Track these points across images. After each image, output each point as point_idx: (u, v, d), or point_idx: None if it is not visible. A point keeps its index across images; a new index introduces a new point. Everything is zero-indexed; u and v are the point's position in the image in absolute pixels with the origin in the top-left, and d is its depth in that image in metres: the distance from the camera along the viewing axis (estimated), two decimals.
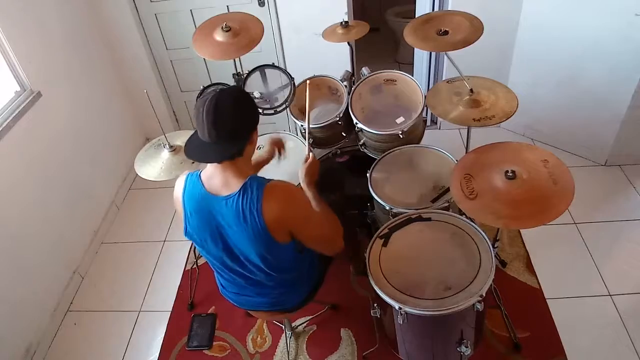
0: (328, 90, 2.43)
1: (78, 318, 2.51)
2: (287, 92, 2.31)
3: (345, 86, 2.36)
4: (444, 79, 2.71)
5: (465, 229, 1.70)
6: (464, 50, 1.89)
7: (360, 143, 2.31)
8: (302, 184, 1.66)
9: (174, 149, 2.12)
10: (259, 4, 2.98)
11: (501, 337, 2.11)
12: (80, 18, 2.93)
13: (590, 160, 2.95)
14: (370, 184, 2.03)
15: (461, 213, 1.80)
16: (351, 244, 2.17)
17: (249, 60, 2.43)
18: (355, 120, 2.21)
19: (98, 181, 2.99)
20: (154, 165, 2.09)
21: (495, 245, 2.06)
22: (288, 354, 2.17)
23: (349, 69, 2.58)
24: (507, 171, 1.52)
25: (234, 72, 2.41)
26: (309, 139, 1.79)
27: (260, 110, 2.25)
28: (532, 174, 1.54)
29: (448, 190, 1.91)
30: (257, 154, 1.92)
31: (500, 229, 2.19)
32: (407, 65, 3.61)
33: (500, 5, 2.73)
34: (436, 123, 3.40)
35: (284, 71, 2.34)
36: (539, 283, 2.30)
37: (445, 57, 2.68)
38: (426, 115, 2.79)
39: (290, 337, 2.23)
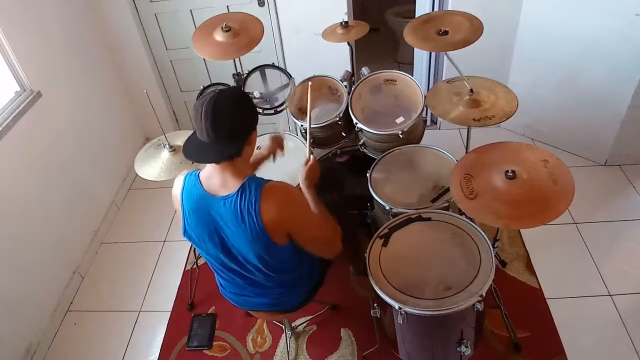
0: (328, 90, 2.42)
1: (78, 318, 2.51)
2: (287, 92, 2.31)
3: (345, 86, 2.36)
4: (443, 79, 2.72)
5: (465, 229, 1.70)
6: (464, 50, 1.89)
7: (360, 143, 2.31)
8: (301, 186, 1.65)
9: (173, 149, 2.12)
10: (259, 4, 2.98)
11: (501, 337, 2.11)
12: (80, 18, 2.93)
13: (590, 160, 2.95)
14: (370, 184, 2.03)
15: (461, 213, 1.80)
16: (351, 244, 2.17)
17: (249, 61, 2.43)
18: (355, 120, 2.21)
19: (98, 181, 2.99)
20: (154, 165, 2.10)
21: (495, 245, 2.06)
22: (288, 354, 2.17)
23: (349, 69, 2.57)
24: (507, 171, 1.52)
25: (234, 72, 2.41)
26: (310, 141, 1.78)
27: (260, 110, 2.25)
28: (532, 174, 1.54)
29: (448, 190, 1.91)
30: (257, 154, 1.91)
31: (500, 229, 2.19)
32: (407, 65, 3.60)
33: (500, 5, 2.73)
34: (436, 123, 3.40)
35: (284, 71, 2.34)
36: (539, 283, 2.30)
37: (445, 57, 2.68)
38: (426, 115, 2.79)
39: (290, 337, 2.23)
